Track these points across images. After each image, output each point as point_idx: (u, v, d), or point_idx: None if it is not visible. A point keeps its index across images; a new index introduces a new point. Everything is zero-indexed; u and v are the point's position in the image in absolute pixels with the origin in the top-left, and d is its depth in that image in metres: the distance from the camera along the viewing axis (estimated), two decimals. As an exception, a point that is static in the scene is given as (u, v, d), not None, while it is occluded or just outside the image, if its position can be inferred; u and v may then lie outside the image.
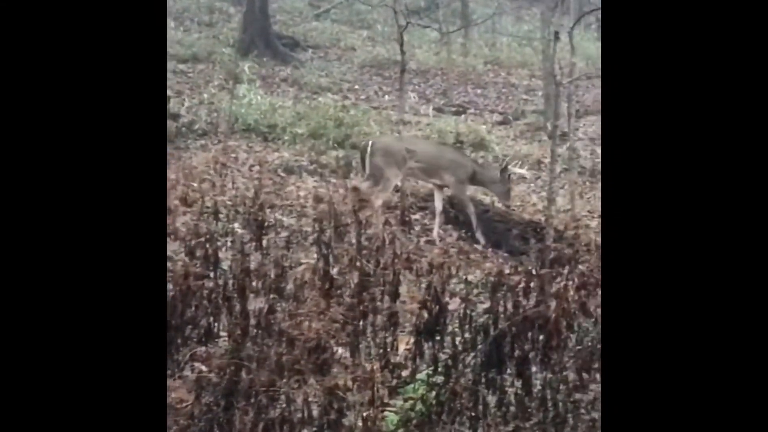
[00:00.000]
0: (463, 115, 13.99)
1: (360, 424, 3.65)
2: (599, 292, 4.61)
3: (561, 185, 10.27)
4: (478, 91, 15.97)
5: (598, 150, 12.25)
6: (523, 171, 9.47)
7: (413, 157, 8.27)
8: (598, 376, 4.21)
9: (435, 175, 8.48)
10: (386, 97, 14.42)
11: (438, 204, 8.31)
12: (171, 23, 15.29)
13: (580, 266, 4.93)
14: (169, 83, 12.38)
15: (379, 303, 4.59)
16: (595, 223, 7.42)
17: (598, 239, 6.56)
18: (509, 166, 8.72)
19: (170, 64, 13.14)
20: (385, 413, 3.95)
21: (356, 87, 14.88)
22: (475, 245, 7.41)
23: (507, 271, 5.15)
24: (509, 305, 4.32)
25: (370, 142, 8.72)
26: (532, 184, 10.96)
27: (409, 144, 8.65)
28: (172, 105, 11.26)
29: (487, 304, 4.59)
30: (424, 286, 4.62)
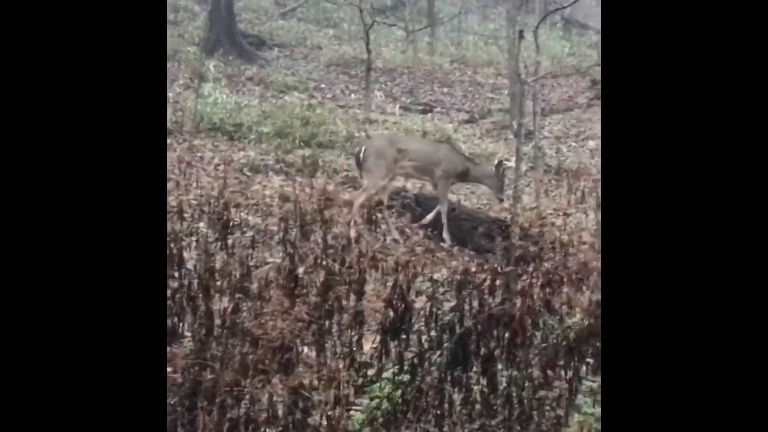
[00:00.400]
0: (429, 114, 14.01)
1: (325, 423, 3.64)
2: (564, 290, 4.64)
3: (527, 183, 10.31)
4: (445, 89, 16.00)
5: (564, 148, 12.33)
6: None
7: (405, 157, 8.32)
8: (563, 373, 4.23)
9: (428, 173, 8.56)
10: (353, 95, 14.40)
11: (443, 200, 8.41)
12: (135, 21, 15.15)
13: (545, 264, 4.93)
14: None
15: (344, 302, 4.58)
16: (560, 221, 7.46)
17: (563, 237, 6.61)
18: (503, 161, 8.81)
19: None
20: (351, 412, 3.94)
21: (322, 86, 14.86)
22: (441, 244, 7.42)
23: (473, 269, 5.15)
24: (475, 303, 4.32)
25: (363, 147, 8.80)
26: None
27: (402, 144, 8.69)
28: (137, 103, 11.17)
29: (452, 302, 4.59)
30: (389, 284, 4.62)
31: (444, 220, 8.23)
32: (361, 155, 8.59)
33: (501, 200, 8.65)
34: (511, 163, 9.08)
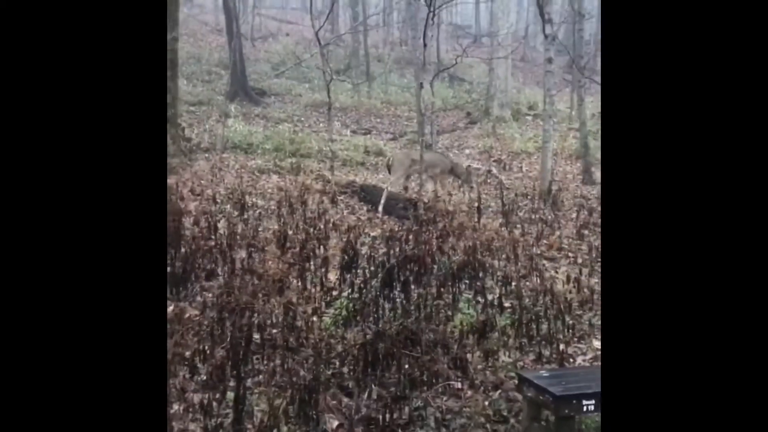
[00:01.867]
0: (368, 135, 13.89)
1: (306, 325, 3.62)
2: (451, 239, 4.68)
3: (429, 177, 10.31)
4: (377, 119, 15.89)
5: (450, 154, 12.37)
6: (477, 165, 9.68)
7: (416, 163, 8.46)
8: (451, 289, 4.26)
9: (430, 171, 8.69)
10: (321, 125, 14.23)
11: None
12: (183, 81, 14.73)
13: (438, 224, 4.99)
14: (184, 118, 11.99)
15: (317, 251, 4.57)
16: (448, 198, 7.49)
17: (449, 207, 6.65)
18: (470, 166, 8.92)
19: (184, 107, 12.71)
20: (323, 317, 3.94)
21: (302, 119, 14.64)
22: (377, 214, 7.41)
23: (396, 229, 5.20)
24: (397, 249, 4.34)
25: (390, 158, 8.79)
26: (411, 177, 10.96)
27: (414, 155, 8.81)
28: (186, 132, 10.92)
29: (384, 250, 4.61)
30: (344, 240, 4.63)
31: (383, 199, 8.24)
32: (389, 162, 8.63)
33: (471, 188, 8.67)
34: (476, 165, 9.29)
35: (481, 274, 4.36)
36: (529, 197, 8.36)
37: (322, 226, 5.04)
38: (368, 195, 8.39)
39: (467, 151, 12.58)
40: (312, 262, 4.41)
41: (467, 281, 4.37)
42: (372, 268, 4.20)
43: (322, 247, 4.61)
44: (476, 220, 5.75)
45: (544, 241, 5.94)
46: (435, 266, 4.26)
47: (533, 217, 7.09)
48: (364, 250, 4.72)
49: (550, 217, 7.08)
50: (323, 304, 4.05)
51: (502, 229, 5.57)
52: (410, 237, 4.52)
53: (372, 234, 5.72)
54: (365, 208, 7.69)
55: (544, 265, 5.19)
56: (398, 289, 4.05)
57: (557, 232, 6.36)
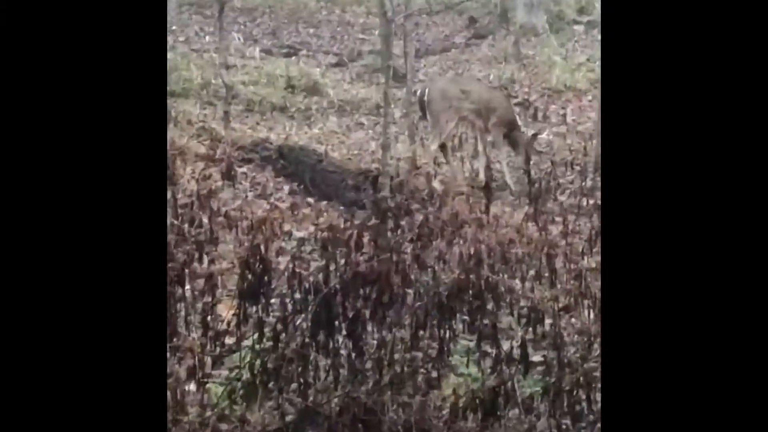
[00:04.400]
0: (294, 57, 13.86)
1: (175, 399, 3.58)
2: (436, 243, 4.67)
3: (402, 131, 10.37)
4: (311, 30, 15.89)
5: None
6: None
7: (468, 98, 8.51)
8: (438, 331, 4.28)
9: (484, 118, 8.80)
10: (207, 38, 14.14)
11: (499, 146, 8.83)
12: None
13: (418, 216, 4.96)
14: None
15: (197, 264, 4.49)
16: (434, 170, 7.52)
17: (439, 187, 6.66)
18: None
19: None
20: (207, 385, 3.95)
21: (174, 28, 14.49)
22: (307, 198, 7.40)
23: (340, 225, 5.15)
24: (342, 262, 4.33)
25: (426, 89, 8.94)
26: (370, 131, 10.99)
27: (464, 84, 8.94)
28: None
29: (318, 262, 4.58)
30: (247, 245, 4.55)
31: (504, 166, 8.68)
32: (425, 98, 8.77)
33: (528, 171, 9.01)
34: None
35: (490, 305, 4.37)
36: (577, 168, 8.46)
37: (206, 220, 4.95)
38: (292, 165, 8.38)
39: (470, 87, 12.70)
40: (188, 286, 4.33)
41: (466, 317, 4.40)
42: (297, 296, 4.21)
43: (205, 257, 4.53)
44: (483, 209, 5.76)
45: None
46: (410, 291, 4.27)
47: (584, 203, 7.14)
48: (283, 263, 4.67)
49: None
50: (209, 361, 4.04)
51: (529, 224, 5.59)
52: (366, 239, 4.49)
53: (298, 234, 5.68)
54: (286, 188, 7.69)
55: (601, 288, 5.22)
56: (343, 332, 4.07)
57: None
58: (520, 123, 9.12)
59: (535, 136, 9.20)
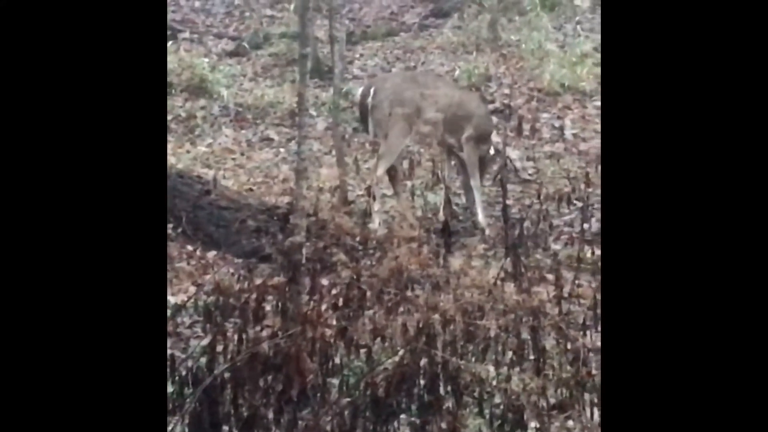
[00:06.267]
0: (172, 42, 13.83)
1: None
2: (371, 312, 4.76)
3: (326, 149, 10.38)
4: (197, 4, 15.98)
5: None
6: None
7: (433, 105, 8.57)
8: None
9: (455, 131, 8.64)
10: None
11: (473, 171, 8.80)
12: None
13: (345, 272, 4.99)
14: None
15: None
16: (372, 206, 7.64)
17: (379, 230, 6.74)
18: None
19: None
20: None
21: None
22: (187, 246, 7.44)
23: (234, 285, 5.22)
24: (235, 339, 4.43)
25: (371, 89, 8.93)
26: (281, 149, 10.93)
27: (427, 86, 8.76)
28: None
29: (199, 337, 4.62)
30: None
31: (477, 198, 8.71)
32: (369, 101, 8.80)
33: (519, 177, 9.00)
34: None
35: (449, 402, 4.47)
36: (576, 200, 8.56)
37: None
38: (171, 196, 8.44)
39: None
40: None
41: (415, 419, 4.50)
42: (169, 388, 4.26)
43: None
44: (441, 261, 5.83)
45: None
46: (333, 382, 4.40)
47: (587, 255, 7.23)
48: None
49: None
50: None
51: (506, 284, 5.65)
52: (270, 306, 4.62)
53: (172, 299, 5.71)
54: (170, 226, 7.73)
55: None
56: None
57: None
58: (497, 139, 8.90)
59: (519, 157, 9.13)
